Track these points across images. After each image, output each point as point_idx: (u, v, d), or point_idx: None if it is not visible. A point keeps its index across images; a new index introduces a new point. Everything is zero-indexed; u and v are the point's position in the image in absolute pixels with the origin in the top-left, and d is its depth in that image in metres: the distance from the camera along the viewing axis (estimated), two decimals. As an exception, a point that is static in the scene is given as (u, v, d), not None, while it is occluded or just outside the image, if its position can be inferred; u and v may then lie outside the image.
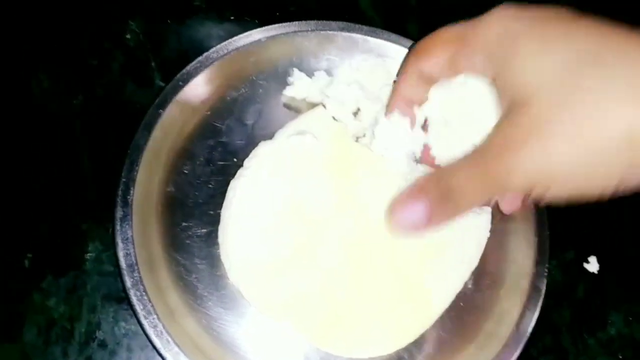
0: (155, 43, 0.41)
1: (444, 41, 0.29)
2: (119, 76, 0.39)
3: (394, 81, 0.34)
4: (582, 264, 0.40)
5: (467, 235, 0.36)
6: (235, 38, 0.38)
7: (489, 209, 0.37)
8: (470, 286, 0.36)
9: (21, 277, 0.34)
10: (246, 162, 0.36)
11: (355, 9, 0.45)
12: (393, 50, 0.41)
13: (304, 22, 0.40)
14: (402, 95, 0.32)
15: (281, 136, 0.37)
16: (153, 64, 0.40)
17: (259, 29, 0.39)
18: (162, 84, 0.39)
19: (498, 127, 0.25)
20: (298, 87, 0.39)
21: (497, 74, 0.27)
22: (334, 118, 0.37)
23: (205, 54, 0.38)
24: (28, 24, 0.40)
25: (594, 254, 0.40)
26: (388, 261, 0.35)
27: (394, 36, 0.41)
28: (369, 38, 0.41)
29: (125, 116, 0.38)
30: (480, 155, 0.25)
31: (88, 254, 0.35)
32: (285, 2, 0.44)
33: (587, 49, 0.23)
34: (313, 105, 0.38)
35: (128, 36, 0.41)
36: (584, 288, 0.39)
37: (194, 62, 0.37)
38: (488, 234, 0.37)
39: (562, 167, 0.24)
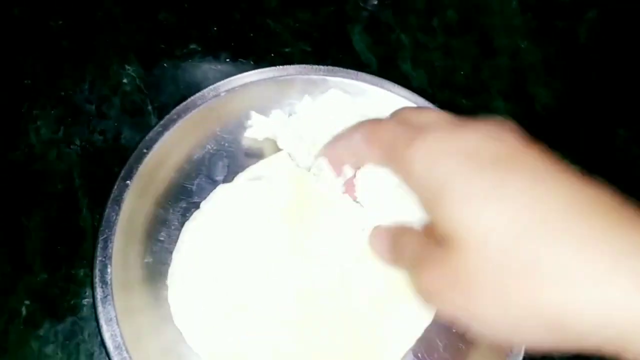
0: (152, 87, 0.42)
1: (377, 149, 0.27)
2: (116, 121, 0.40)
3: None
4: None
5: None
6: (197, 95, 0.39)
7: None
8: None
9: (18, 325, 0.34)
10: (202, 205, 0.37)
11: (349, 49, 0.46)
12: (359, 89, 0.41)
13: (261, 69, 0.40)
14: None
15: (240, 180, 0.38)
16: (150, 107, 0.41)
17: (220, 82, 0.39)
18: (159, 128, 0.39)
19: (441, 256, 0.23)
20: (257, 128, 0.39)
21: (425, 205, 0.24)
22: (290, 157, 0.38)
23: (166, 117, 0.38)
24: (25, 72, 0.41)
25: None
26: (341, 310, 0.34)
27: (364, 75, 0.41)
28: (329, 78, 0.40)
29: (122, 162, 0.38)
30: (424, 261, 0.24)
31: (85, 300, 0.35)
32: (280, 44, 0.45)
33: (517, 214, 0.21)
34: (277, 149, 0.39)
35: (125, 81, 0.41)
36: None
37: (156, 127, 0.37)
38: None
39: (483, 325, 0.23)
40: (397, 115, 0.27)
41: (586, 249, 0.20)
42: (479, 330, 0.23)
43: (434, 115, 0.26)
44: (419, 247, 0.26)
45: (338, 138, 0.30)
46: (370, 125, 0.28)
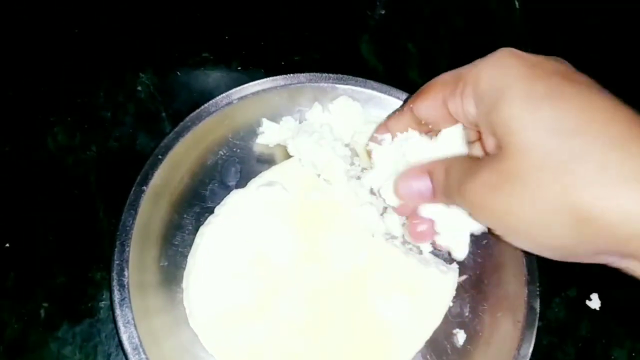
0: (166, 94, 0.43)
1: (440, 84, 0.30)
2: (131, 128, 0.41)
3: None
4: (584, 301, 0.41)
5: (433, 290, 0.37)
6: (210, 102, 0.39)
7: (456, 268, 0.38)
8: (467, 313, 0.38)
9: (37, 327, 0.35)
10: (217, 209, 0.38)
11: (357, 57, 0.47)
12: (368, 96, 0.42)
13: (272, 78, 0.41)
14: (387, 129, 0.34)
15: (253, 185, 0.38)
16: (164, 114, 0.42)
17: (232, 90, 0.40)
18: (173, 135, 0.40)
19: (489, 163, 0.26)
20: (268, 134, 0.40)
21: (484, 118, 0.27)
22: (302, 164, 0.39)
23: (180, 124, 0.38)
24: (42, 79, 0.42)
25: (596, 291, 0.41)
26: (351, 313, 0.36)
27: (372, 83, 0.42)
28: (338, 86, 0.41)
29: (138, 168, 0.39)
30: (470, 174, 0.27)
31: (102, 302, 0.36)
32: (290, 52, 0.46)
33: (568, 117, 0.24)
34: (288, 155, 0.40)
35: (139, 88, 0.42)
36: (587, 325, 0.40)
37: (170, 134, 0.38)
38: (454, 292, 0.37)
39: (519, 224, 0.25)
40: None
41: (622, 149, 0.23)
42: (513, 234, 0.26)
43: None
44: (464, 165, 0.28)
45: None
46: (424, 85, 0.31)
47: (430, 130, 0.33)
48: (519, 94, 0.25)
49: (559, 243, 0.25)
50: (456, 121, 0.31)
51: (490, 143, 0.27)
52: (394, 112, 0.35)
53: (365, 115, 0.41)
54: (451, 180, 0.29)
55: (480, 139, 0.31)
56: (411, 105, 0.32)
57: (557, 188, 0.23)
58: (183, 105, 0.42)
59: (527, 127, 0.24)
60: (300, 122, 0.41)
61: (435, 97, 0.30)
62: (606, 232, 0.23)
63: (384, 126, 0.34)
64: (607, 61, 0.51)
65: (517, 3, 0.52)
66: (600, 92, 0.25)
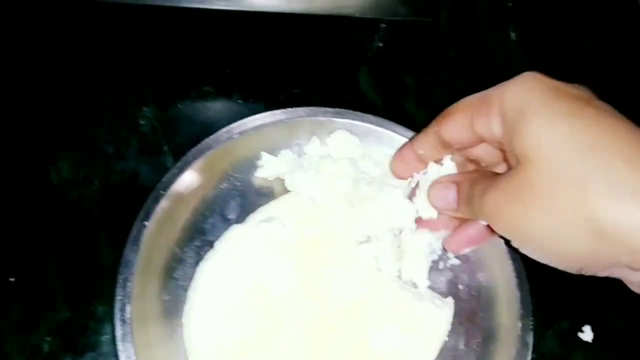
0: (168, 128, 0.44)
1: (466, 105, 0.32)
2: (134, 162, 0.42)
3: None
4: (576, 333, 0.41)
5: (429, 324, 0.38)
6: (211, 137, 0.40)
7: (451, 303, 0.39)
8: (462, 347, 0.38)
9: (41, 361, 0.36)
10: (216, 244, 0.39)
11: (356, 89, 0.48)
12: (365, 129, 0.42)
13: (272, 112, 0.42)
14: (412, 150, 0.36)
15: (252, 221, 0.39)
16: (166, 148, 0.43)
17: (233, 125, 0.41)
18: (175, 170, 0.41)
19: (508, 175, 0.28)
20: (267, 168, 0.41)
21: (507, 136, 0.29)
22: (300, 199, 0.40)
23: (182, 159, 0.39)
24: (46, 113, 0.43)
25: (588, 323, 0.42)
26: (348, 346, 0.36)
27: (370, 117, 0.43)
28: (336, 119, 0.42)
29: (140, 201, 0.40)
30: (491, 186, 0.29)
31: (104, 336, 0.37)
32: (289, 85, 0.47)
33: (586, 133, 0.25)
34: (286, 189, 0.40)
35: (142, 122, 0.43)
36: (580, 358, 0.41)
37: (172, 169, 0.39)
38: (449, 327, 0.38)
39: (534, 234, 0.27)
40: None
41: (636, 166, 0.24)
42: (528, 244, 0.28)
43: None
44: (487, 178, 0.30)
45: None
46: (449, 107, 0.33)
47: (453, 152, 0.35)
48: (539, 112, 0.27)
49: (574, 254, 0.26)
50: (482, 142, 0.32)
51: (513, 162, 0.29)
52: (413, 139, 0.36)
53: (363, 149, 0.42)
54: (474, 191, 0.30)
55: (505, 159, 0.33)
56: (436, 128, 0.33)
57: (573, 200, 0.25)
58: (185, 139, 0.43)
59: (544, 141, 0.26)
60: (299, 156, 0.42)
61: (462, 118, 0.32)
62: (620, 244, 0.24)
63: (409, 149, 0.36)
64: (605, 91, 0.52)
65: (512, 34, 0.53)
66: (618, 116, 0.27)
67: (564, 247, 0.26)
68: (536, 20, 0.54)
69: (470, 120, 0.31)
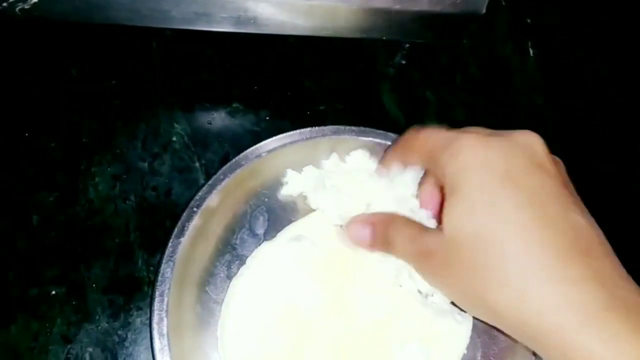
0: (199, 144, 0.45)
1: (417, 152, 0.35)
2: (167, 178, 0.44)
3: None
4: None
5: (449, 339, 0.39)
6: (240, 156, 0.42)
7: (470, 317, 0.40)
8: (479, 359, 0.40)
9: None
10: (248, 261, 0.40)
11: (379, 105, 0.49)
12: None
13: (300, 131, 0.43)
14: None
15: (282, 238, 0.41)
16: (197, 164, 0.44)
17: (261, 143, 0.42)
18: (207, 188, 0.42)
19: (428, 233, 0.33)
20: (291, 185, 0.42)
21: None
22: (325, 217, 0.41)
23: (213, 177, 0.41)
24: (82, 130, 0.44)
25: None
26: None
27: (392, 136, 0.44)
28: (359, 138, 0.44)
29: (173, 216, 0.42)
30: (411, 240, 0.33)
31: (143, 347, 0.39)
32: (315, 102, 0.48)
33: (515, 223, 0.28)
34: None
35: (174, 139, 0.45)
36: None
37: (204, 187, 0.40)
38: (468, 341, 0.40)
39: (459, 301, 0.34)
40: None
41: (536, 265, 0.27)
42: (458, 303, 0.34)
43: (463, 128, 0.33)
44: (410, 238, 0.33)
45: (391, 148, 0.39)
46: (412, 132, 0.36)
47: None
48: (462, 200, 0.29)
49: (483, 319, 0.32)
50: None
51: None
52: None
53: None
54: (389, 238, 0.34)
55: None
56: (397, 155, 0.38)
57: (477, 287, 0.29)
58: (215, 155, 0.45)
59: (463, 228, 0.29)
60: (320, 172, 0.43)
61: (414, 161, 0.36)
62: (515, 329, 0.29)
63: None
64: (618, 108, 0.53)
65: (531, 51, 0.54)
66: (542, 199, 0.28)
67: (475, 314, 0.33)
68: (554, 36, 0.55)
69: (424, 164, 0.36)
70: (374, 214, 0.37)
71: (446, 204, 0.30)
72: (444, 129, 0.33)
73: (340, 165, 0.43)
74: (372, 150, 0.44)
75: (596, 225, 0.29)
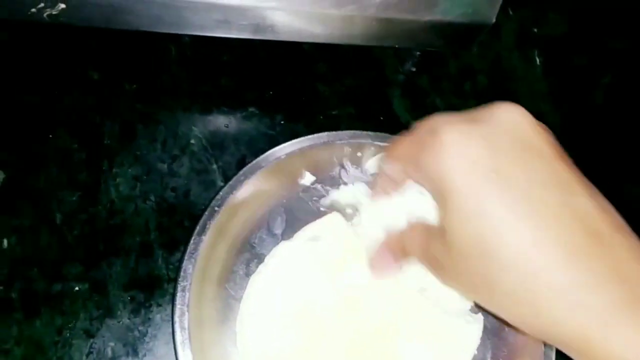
0: (216, 147, 0.46)
1: (398, 156, 0.32)
2: (185, 179, 0.45)
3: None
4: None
5: (460, 340, 0.41)
6: (260, 158, 0.43)
7: (481, 319, 0.41)
8: (489, 359, 0.41)
9: (105, 364, 0.39)
10: (267, 259, 0.42)
11: (390, 111, 0.51)
12: None
13: (318, 135, 0.44)
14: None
15: (299, 238, 0.42)
16: (214, 166, 0.46)
17: (281, 146, 0.43)
18: (228, 188, 0.44)
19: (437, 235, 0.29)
20: (341, 193, 0.44)
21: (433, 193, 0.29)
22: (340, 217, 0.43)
23: (234, 178, 0.42)
24: (103, 132, 0.46)
25: None
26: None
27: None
28: (375, 142, 0.45)
29: (191, 216, 0.43)
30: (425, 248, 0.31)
31: (162, 342, 0.40)
32: (328, 107, 0.50)
33: (503, 219, 0.25)
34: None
35: (193, 142, 0.46)
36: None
37: (225, 187, 0.41)
38: (479, 341, 0.41)
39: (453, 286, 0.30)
40: (410, 130, 0.32)
41: (541, 241, 0.24)
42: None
43: (442, 118, 0.29)
44: (422, 246, 0.31)
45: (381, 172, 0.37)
46: (391, 145, 0.33)
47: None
48: (454, 204, 0.26)
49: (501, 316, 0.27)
50: None
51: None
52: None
53: None
54: (406, 249, 0.34)
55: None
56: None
57: (487, 295, 0.27)
58: (232, 158, 0.46)
59: (461, 228, 0.26)
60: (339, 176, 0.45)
61: (396, 166, 0.34)
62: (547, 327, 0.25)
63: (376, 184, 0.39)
64: (621, 116, 0.55)
65: (537, 59, 0.56)
66: (531, 190, 0.25)
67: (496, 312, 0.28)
68: (560, 46, 0.57)
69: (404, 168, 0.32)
70: (387, 238, 0.37)
71: (440, 213, 0.28)
72: (421, 127, 0.30)
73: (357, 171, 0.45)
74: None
75: (605, 204, 0.26)
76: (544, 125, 0.28)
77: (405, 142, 0.31)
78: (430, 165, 0.27)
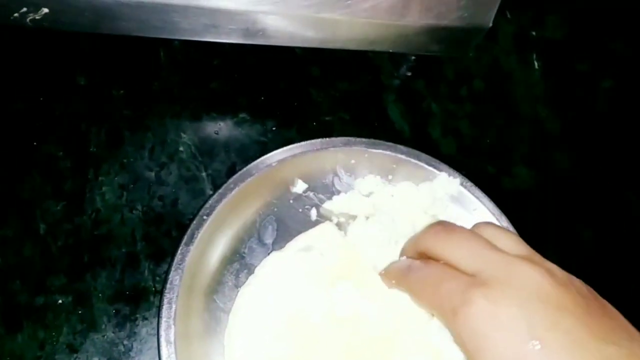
0: (205, 154, 0.45)
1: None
2: (173, 187, 0.44)
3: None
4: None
5: (456, 353, 0.39)
6: (251, 165, 0.42)
7: None
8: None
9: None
10: (257, 270, 0.40)
11: (384, 116, 0.50)
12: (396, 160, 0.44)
13: (311, 141, 0.43)
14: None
15: (290, 249, 0.41)
16: (204, 174, 0.45)
17: (272, 153, 0.43)
18: (217, 196, 0.42)
19: None
20: (337, 204, 0.43)
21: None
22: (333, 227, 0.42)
23: (223, 185, 0.41)
24: (90, 139, 0.45)
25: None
26: None
27: (401, 148, 0.44)
28: (369, 150, 0.44)
29: (179, 226, 0.42)
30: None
31: (147, 357, 0.39)
32: (321, 113, 0.49)
33: None
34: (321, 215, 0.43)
35: (181, 149, 0.45)
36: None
37: (214, 196, 0.40)
38: None
39: None
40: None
41: None
42: None
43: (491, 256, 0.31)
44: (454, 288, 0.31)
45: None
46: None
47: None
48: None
49: None
50: None
51: None
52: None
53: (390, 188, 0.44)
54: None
55: None
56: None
57: None
58: (222, 165, 0.45)
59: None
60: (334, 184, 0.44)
61: None
62: None
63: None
64: (621, 120, 0.54)
65: (536, 63, 0.55)
66: None
67: None
68: (558, 49, 0.56)
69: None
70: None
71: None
72: (455, 273, 0.32)
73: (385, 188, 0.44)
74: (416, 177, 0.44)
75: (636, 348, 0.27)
76: (569, 276, 0.30)
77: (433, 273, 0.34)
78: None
